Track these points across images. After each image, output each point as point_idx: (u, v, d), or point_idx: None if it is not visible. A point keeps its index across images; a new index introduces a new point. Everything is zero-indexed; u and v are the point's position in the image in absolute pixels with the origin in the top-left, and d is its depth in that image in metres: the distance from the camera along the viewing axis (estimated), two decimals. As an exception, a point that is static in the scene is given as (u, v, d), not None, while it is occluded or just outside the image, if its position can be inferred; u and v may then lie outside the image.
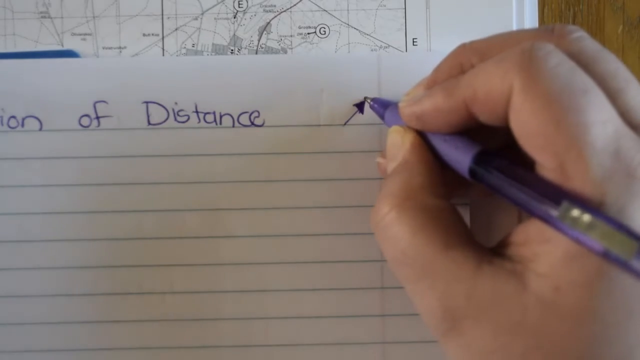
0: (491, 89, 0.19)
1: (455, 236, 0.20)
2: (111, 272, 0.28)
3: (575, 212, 0.17)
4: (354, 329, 0.28)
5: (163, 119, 0.28)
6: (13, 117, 0.28)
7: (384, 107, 0.26)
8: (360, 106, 0.28)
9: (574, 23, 0.30)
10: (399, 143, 0.23)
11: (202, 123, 0.28)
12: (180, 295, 0.28)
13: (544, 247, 0.18)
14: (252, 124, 0.28)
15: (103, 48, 0.30)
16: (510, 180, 0.19)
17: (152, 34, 0.30)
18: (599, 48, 0.20)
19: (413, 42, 0.30)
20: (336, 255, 0.28)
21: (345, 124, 0.28)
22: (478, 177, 0.20)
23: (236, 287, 0.28)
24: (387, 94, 0.28)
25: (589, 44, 0.20)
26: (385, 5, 0.30)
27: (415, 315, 0.28)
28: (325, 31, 0.30)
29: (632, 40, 0.31)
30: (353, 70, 0.28)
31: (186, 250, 0.28)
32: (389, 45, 0.30)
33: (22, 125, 0.28)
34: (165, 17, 0.30)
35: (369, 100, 0.27)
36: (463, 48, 0.22)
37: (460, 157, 0.21)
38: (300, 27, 0.30)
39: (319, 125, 0.28)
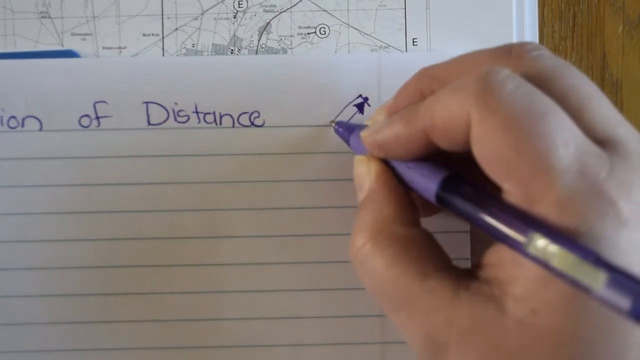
0: (449, 118, 0.19)
1: (431, 264, 0.20)
2: (111, 272, 0.28)
3: (543, 243, 0.16)
4: (354, 329, 0.28)
5: (163, 119, 0.28)
6: (13, 117, 0.28)
7: (348, 131, 0.26)
8: (360, 106, 0.28)
9: (574, 23, 0.30)
10: (364, 173, 0.23)
11: (202, 123, 0.28)
12: (180, 295, 0.28)
13: (518, 270, 0.18)
14: (252, 124, 0.28)
15: (103, 48, 0.30)
16: (476, 208, 0.19)
17: (152, 34, 0.30)
18: (559, 64, 0.19)
19: (413, 42, 0.30)
20: (336, 256, 0.28)
21: (345, 124, 0.28)
22: (445, 203, 0.20)
23: (236, 287, 0.28)
24: (387, 94, 0.28)
25: (548, 62, 0.19)
26: (385, 5, 0.30)
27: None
28: (325, 31, 0.30)
29: (632, 40, 0.31)
30: (353, 70, 0.28)
31: (186, 250, 0.28)
32: (389, 45, 0.30)
33: (22, 125, 0.28)
34: (165, 17, 0.30)
35: (333, 124, 0.27)
36: (423, 73, 0.22)
37: (426, 184, 0.21)
38: (300, 27, 0.30)
39: (319, 126, 0.28)
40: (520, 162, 0.17)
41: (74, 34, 0.30)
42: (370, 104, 0.28)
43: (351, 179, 0.28)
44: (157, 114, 0.28)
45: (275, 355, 0.28)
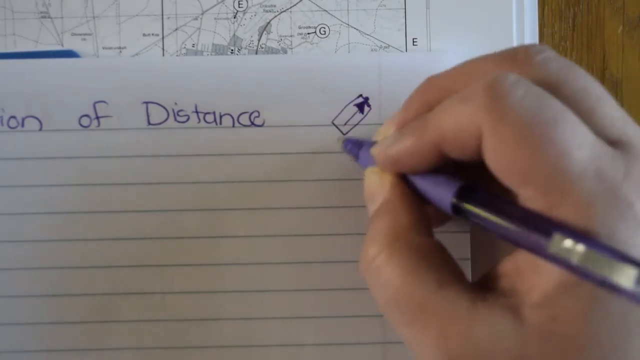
0: (459, 130, 0.19)
1: (447, 274, 0.20)
2: (111, 272, 0.28)
3: (568, 243, 0.16)
4: (354, 329, 0.28)
5: (163, 119, 0.28)
6: (13, 117, 0.28)
7: (357, 147, 0.25)
8: (360, 106, 0.28)
9: (574, 23, 0.31)
10: (377, 184, 0.22)
11: (202, 123, 0.28)
12: (180, 295, 0.28)
13: (537, 278, 0.18)
14: (252, 124, 0.28)
15: (103, 48, 0.30)
16: (495, 214, 0.19)
17: (152, 34, 0.30)
18: (566, 66, 0.19)
19: (413, 42, 0.30)
20: (336, 255, 0.28)
21: (345, 123, 0.28)
22: (461, 213, 0.20)
23: (236, 287, 0.28)
24: (387, 94, 0.28)
25: (555, 65, 0.19)
26: (385, 5, 0.30)
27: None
28: (325, 31, 0.30)
29: (632, 40, 0.31)
30: (353, 70, 0.28)
31: (186, 250, 0.28)
32: (389, 45, 0.30)
33: (22, 125, 0.28)
34: (165, 17, 0.30)
35: (341, 141, 0.27)
36: (429, 83, 0.22)
37: (441, 194, 0.20)
38: (300, 27, 0.30)
39: (319, 126, 0.28)
40: (535, 169, 0.17)
41: (74, 34, 0.30)
42: (370, 104, 0.28)
43: (351, 179, 0.28)
44: (157, 114, 0.28)
45: (276, 355, 0.28)
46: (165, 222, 0.28)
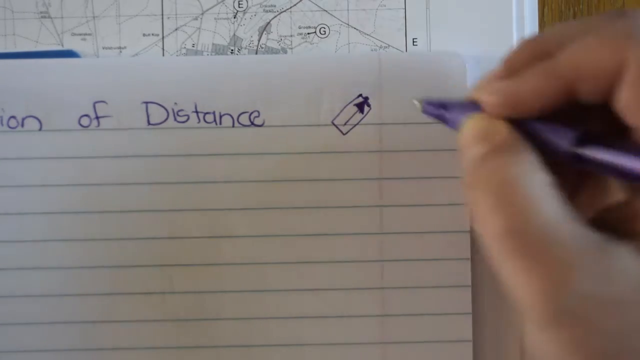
0: (599, 65, 0.18)
1: (571, 213, 0.18)
2: (111, 272, 0.28)
3: None
4: (354, 329, 0.28)
5: (163, 119, 0.28)
6: (13, 117, 0.28)
7: (442, 107, 0.24)
8: (360, 106, 0.28)
9: (574, 23, 0.30)
10: (488, 128, 0.20)
11: (202, 123, 0.28)
12: (180, 295, 0.28)
13: None
14: (252, 124, 0.28)
15: (103, 48, 0.30)
16: (625, 154, 0.18)
17: (152, 34, 0.30)
18: None
19: (413, 42, 0.30)
20: (336, 256, 0.28)
21: (345, 123, 0.28)
22: (583, 158, 0.19)
23: (236, 287, 0.28)
24: (387, 94, 0.28)
25: None
26: (385, 5, 0.30)
27: (415, 316, 0.28)
28: (325, 31, 0.30)
29: (632, 40, 0.30)
30: (353, 70, 0.28)
31: (186, 250, 0.28)
32: (389, 45, 0.30)
33: (22, 125, 0.28)
34: (165, 17, 0.30)
35: (418, 103, 0.25)
36: (532, 40, 0.21)
37: (560, 139, 0.20)
38: (300, 27, 0.30)
39: (319, 125, 0.28)
40: None
41: (74, 34, 0.30)
42: (370, 104, 0.28)
43: (351, 179, 0.28)
44: (156, 114, 0.28)
45: (276, 355, 0.28)
46: (165, 222, 0.28)
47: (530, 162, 0.19)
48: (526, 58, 0.21)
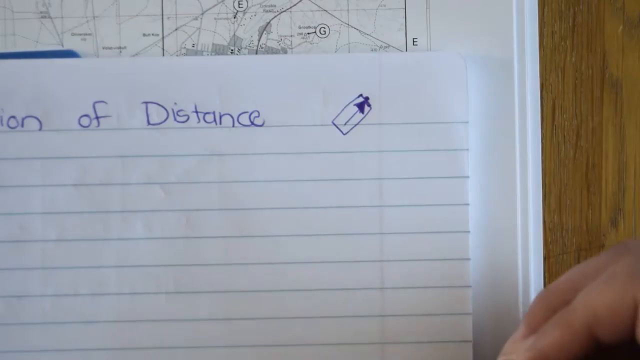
0: (613, 308, 0.19)
1: None
2: (111, 272, 0.28)
3: None
4: (354, 329, 0.28)
5: (163, 119, 0.28)
6: (13, 117, 0.28)
7: None
8: (360, 106, 0.28)
9: (574, 23, 0.30)
10: None
11: (202, 123, 0.28)
12: (182, 295, 0.28)
13: None
14: (252, 124, 0.28)
15: (103, 48, 0.30)
16: None
17: (152, 34, 0.30)
18: None
19: (413, 42, 0.30)
20: (337, 255, 0.28)
21: (345, 123, 0.28)
22: None
23: (236, 287, 0.28)
24: (387, 94, 0.28)
25: None
26: (385, 5, 0.30)
27: (415, 316, 0.28)
28: (325, 31, 0.30)
29: (632, 40, 0.31)
30: (353, 70, 0.28)
31: (186, 250, 0.28)
32: (389, 45, 0.30)
33: (22, 125, 0.28)
34: (165, 17, 0.30)
35: None
36: (547, 292, 0.22)
37: None
38: (300, 27, 0.30)
39: (319, 125, 0.28)
40: None
41: (74, 34, 0.30)
42: (370, 104, 0.28)
43: (351, 179, 0.28)
44: (156, 114, 0.28)
45: (276, 355, 0.28)
46: (165, 221, 0.28)
47: None
48: (544, 312, 0.21)
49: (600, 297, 0.19)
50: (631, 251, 0.20)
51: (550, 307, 0.21)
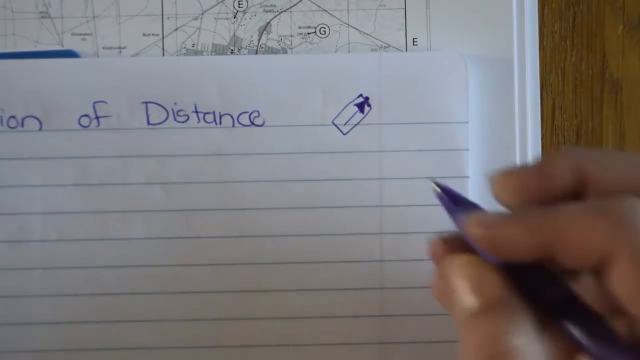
0: (585, 244, 0.17)
1: None
2: (111, 272, 0.28)
3: None
4: (354, 329, 0.28)
5: (163, 119, 0.28)
6: (13, 117, 0.28)
7: (454, 202, 0.22)
8: (360, 106, 0.28)
9: (574, 23, 0.30)
10: (480, 279, 0.19)
11: (202, 123, 0.28)
12: (181, 295, 0.28)
13: None
14: (252, 124, 0.28)
15: (103, 48, 0.30)
16: (590, 339, 0.17)
17: (152, 34, 0.30)
18: None
19: (413, 42, 0.30)
20: (337, 255, 0.28)
21: (345, 123, 0.28)
22: (563, 325, 0.18)
23: (236, 287, 0.28)
24: (387, 94, 0.28)
25: None
26: (385, 5, 0.30)
27: (414, 316, 0.28)
28: (325, 31, 0.30)
29: (632, 40, 0.31)
30: (353, 70, 0.28)
31: (186, 250, 0.28)
32: (389, 45, 0.30)
33: (22, 125, 0.28)
34: (165, 17, 0.30)
35: (436, 186, 0.23)
36: (572, 155, 0.20)
37: (544, 295, 0.19)
38: (300, 27, 0.30)
39: (319, 125, 0.28)
40: None
41: (74, 34, 0.30)
42: (370, 104, 0.28)
43: (351, 179, 0.28)
44: (156, 114, 0.28)
45: (276, 355, 0.28)
46: (165, 221, 0.28)
47: (521, 329, 0.18)
48: (537, 177, 0.20)
49: (578, 228, 0.18)
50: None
51: (551, 175, 0.20)
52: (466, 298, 0.19)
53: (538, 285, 0.19)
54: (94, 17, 0.30)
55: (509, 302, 0.19)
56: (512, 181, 0.20)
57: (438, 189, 0.23)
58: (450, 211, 0.22)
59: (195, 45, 0.30)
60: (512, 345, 0.18)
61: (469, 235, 0.20)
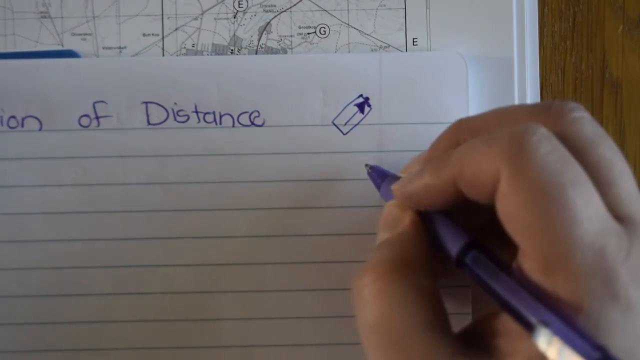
0: (479, 171, 0.19)
1: (437, 320, 0.20)
2: (111, 272, 0.28)
3: (548, 336, 0.16)
4: (354, 329, 0.28)
5: (163, 119, 0.28)
6: (13, 117, 0.28)
7: (381, 177, 0.26)
8: (360, 106, 0.28)
9: (574, 23, 0.31)
10: (397, 216, 0.22)
11: (202, 123, 0.28)
12: (180, 295, 0.28)
13: (523, 343, 0.18)
14: (252, 124, 0.29)
15: (103, 48, 0.30)
16: (494, 281, 0.19)
17: (152, 34, 0.30)
18: (598, 132, 0.19)
19: (413, 42, 0.30)
20: (336, 256, 0.28)
21: (345, 123, 0.28)
22: (463, 267, 0.20)
23: (236, 287, 0.28)
24: (387, 94, 0.28)
25: (587, 128, 0.19)
26: (385, 5, 0.30)
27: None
28: (325, 31, 0.30)
29: (632, 40, 0.31)
30: (353, 70, 0.28)
31: (186, 250, 0.28)
32: (389, 45, 0.30)
33: (22, 125, 0.28)
34: (165, 17, 0.30)
35: (368, 168, 0.27)
36: (459, 124, 0.22)
37: (449, 244, 0.21)
38: (300, 27, 0.30)
39: (319, 125, 0.28)
40: (543, 228, 0.17)
41: (74, 34, 0.30)
42: (370, 104, 0.28)
43: (351, 179, 0.28)
44: (156, 114, 0.28)
45: (275, 355, 0.28)
46: (165, 221, 0.28)
47: (411, 261, 0.21)
48: (447, 143, 0.22)
49: (471, 157, 0.19)
50: (541, 114, 0.20)
51: (454, 142, 0.22)
52: (382, 230, 0.23)
53: (449, 230, 0.21)
54: (94, 17, 0.30)
55: (412, 237, 0.21)
56: (405, 190, 0.22)
57: (369, 169, 0.27)
58: (379, 183, 0.26)
59: (195, 45, 0.30)
60: (402, 266, 0.20)
61: (396, 198, 0.23)
